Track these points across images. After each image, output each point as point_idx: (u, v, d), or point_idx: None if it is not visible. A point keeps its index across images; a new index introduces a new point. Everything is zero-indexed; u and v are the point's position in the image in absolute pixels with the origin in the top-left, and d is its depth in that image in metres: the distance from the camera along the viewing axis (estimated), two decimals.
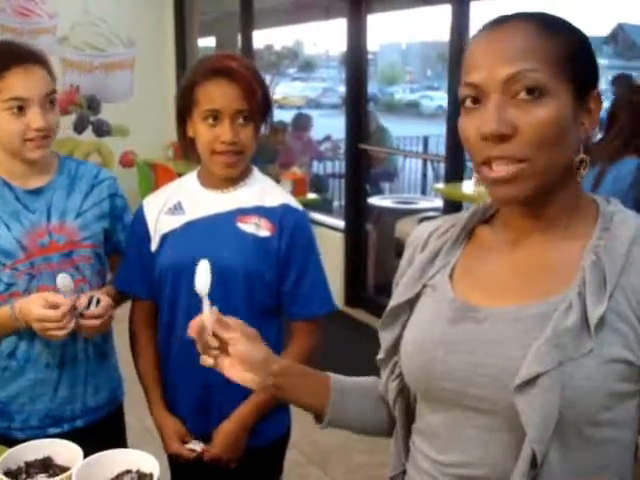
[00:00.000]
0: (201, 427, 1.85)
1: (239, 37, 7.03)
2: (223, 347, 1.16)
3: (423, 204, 5.28)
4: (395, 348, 1.18)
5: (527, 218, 1.07)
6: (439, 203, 5.37)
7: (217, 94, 1.69)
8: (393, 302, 1.19)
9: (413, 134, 11.52)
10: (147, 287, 1.87)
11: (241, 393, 1.79)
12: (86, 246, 1.86)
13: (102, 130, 7.49)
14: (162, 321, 1.86)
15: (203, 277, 1.20)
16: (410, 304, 1.17)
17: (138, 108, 7.63)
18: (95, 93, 7.23)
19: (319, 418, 1.25)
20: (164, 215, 1.83)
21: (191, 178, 1.89)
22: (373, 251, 5.48)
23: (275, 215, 1.78)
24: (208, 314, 1.16)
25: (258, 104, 1.71)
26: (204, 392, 1.82)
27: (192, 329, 1.15)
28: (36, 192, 1.83)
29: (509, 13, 1.03)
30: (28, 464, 1.36)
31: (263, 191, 1.83)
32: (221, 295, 1.71)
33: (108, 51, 7.52)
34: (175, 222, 1.81)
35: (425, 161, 9.41)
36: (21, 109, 1.70)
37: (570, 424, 0.97)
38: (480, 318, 1.05)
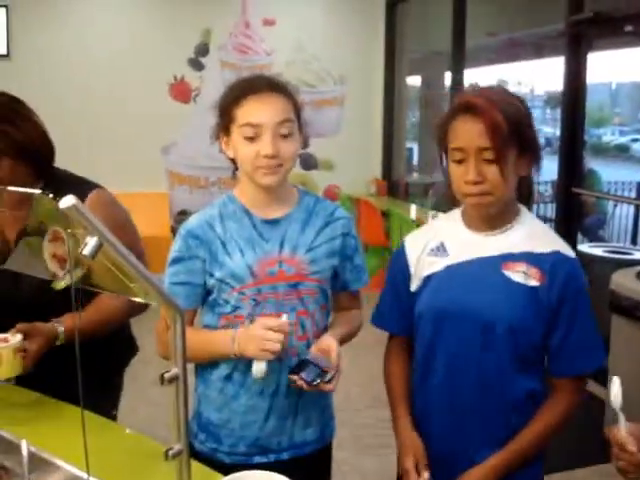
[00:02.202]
0: (447, 474, 1.74)
1: (446, 75, 7.01)
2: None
3: (639, 255, 4.91)
4: None
5: None
6: None
7: (461, 131, 1.62)
8: None
9: (623, 179, 10.92)
10: (404, 325, 1.84)
11: (494, 444, 1.70)
12: (313, 280, 1.86)
13: (309, 163, 7.73)
14: (418, 361, 1.82)
15: (617, 392, 1.36)
16: None
17: (344, 144, 7.82)
18: (305, 128, 7.47)
19: None
20: (426, 256, 1.77)
21: (455, 217, 1.80)
22: None
23: (545, 263, 1.65)
24: (624, 428, 1.34)
25: (503, 141, 1.58)
26: (457, 441, 1.74)
27: (613, 439, 1.34)
28: (273, 222, 1.86)
29: None
30: None
31: (532, 235, 1.70)
32: (483, 345, 1.65)
33: (319, 88, 7.77)
34: (438, 264, 1.75)
35: (638, 209, 8.84)
36: (253, 135, 1.74)
37: None
38: None
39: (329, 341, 1.77)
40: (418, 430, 1.78)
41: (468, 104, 1.61)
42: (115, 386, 2.39)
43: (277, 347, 1.68)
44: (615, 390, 1.35)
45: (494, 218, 1.69)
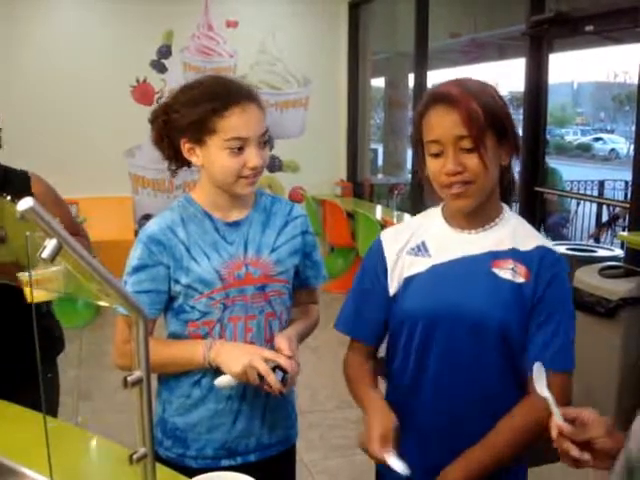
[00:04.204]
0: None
1: (409, 77, 7.05)
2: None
3: (601, 252, 4.96)
4: None
5: None
6: (619, 252, 5.06)
7: (437, 123, 1.55)
8: None
9: (585, 178, 11.08)
10: (375, 333, 1.75)
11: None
12: (279, 281, 1.85)
13: (274, 166, 7.73)
14: (394, 367, 1.72)
15: (543, 378, 1.33)
16: None
17: (309, 145, 7.84)
18: (269, 130, 7.47)
19: None
20: (406, 255, 1.68)
21: (435, 215, 1.72)
22: None
23: (531, 259, 1.60)
24: (559, 416, 1.27)
25: (480, 128, 1.51)
26: (451, 445, 1.64)
27: (554, 432, 1.26)
28: (234, 225, 1.85)
29: None
30: None
31: (516, 232, 1.64)
32: (475, 350, 1.58)
33: (284, 90, 7.77)
34: (419, 264, 1.66)
35: (600, 207, 8.97)
36: (240, 148, 1.72)
37: None
38: None
39: (281, 344, 1.74)
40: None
41: (441, 94, 1.55)
42: (49, 383, 2.34)
43: (257, 381, 1.67)
44: (535, 374, 1.33)
45: (477, 214, 1.63)
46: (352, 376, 1.77)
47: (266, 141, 1.77)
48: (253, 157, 1.72)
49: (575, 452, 1.24)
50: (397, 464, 1.47)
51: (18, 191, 2.24)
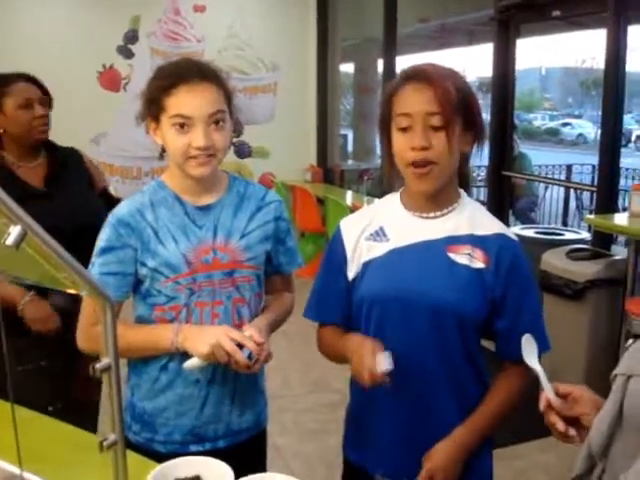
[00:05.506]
0: (398, 468, 1.69)
1: (378, 63, 7.04)
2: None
3: (569, 235, 5.02)
4: None
5: None
6: (586, 235, 5.13)
7: (410, 97, 1.57)
8: None
9: (553, 162, 11.19)
10: (342, 313, 1.77)
11: (445, 428, 1.65)
12: (248, 267, 1.84)
13: (244, 152, 7.70)
14: None
15: (534, 350, 1.36)
16: None
17: (279, 131, 7.81)
18: (238, 116, 7.41)
19: None
20: (365, 241, 1.71)
21: (394, 200, 1.74)
22: None
23: (490, 245, 1.62)
24: (550, 389, 1.28)
25: (451, 107, 1.53)
26: (408, 429, 1.68)
27: (542, 404, 1.28)
28: (205, 209, 1.83)
29: None
30: None
31: (474, 218, 1.67)
32: (433, 333, 1.60)
33: (252, 75, 7.73)
34: (378, 249, 1.68)
35: (568, 191, 9.06)
36: (184, 126, 1.71)
37: None
38: None
39: (249, 329, 1.73)
40: (365, 419, 1.74)
41: (416, 71, 1.58)
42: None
43: (225, 358, 1.66)
44: (525, 347, 1.35)
45: (436, 198, 1.65)
46: (328, 341, 1.79)
47: (219, 121, 1.73)
48: (198, 136, 1.70)
49: (560, 426, 1.25)
50: (387, 360, 1.51)
51: (77, 169, 2.80)
